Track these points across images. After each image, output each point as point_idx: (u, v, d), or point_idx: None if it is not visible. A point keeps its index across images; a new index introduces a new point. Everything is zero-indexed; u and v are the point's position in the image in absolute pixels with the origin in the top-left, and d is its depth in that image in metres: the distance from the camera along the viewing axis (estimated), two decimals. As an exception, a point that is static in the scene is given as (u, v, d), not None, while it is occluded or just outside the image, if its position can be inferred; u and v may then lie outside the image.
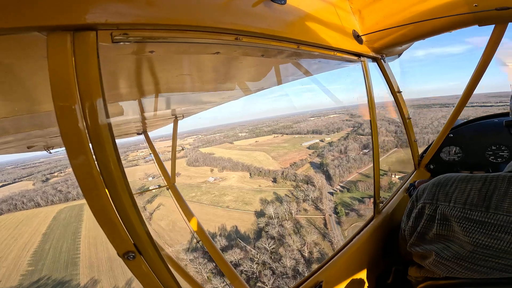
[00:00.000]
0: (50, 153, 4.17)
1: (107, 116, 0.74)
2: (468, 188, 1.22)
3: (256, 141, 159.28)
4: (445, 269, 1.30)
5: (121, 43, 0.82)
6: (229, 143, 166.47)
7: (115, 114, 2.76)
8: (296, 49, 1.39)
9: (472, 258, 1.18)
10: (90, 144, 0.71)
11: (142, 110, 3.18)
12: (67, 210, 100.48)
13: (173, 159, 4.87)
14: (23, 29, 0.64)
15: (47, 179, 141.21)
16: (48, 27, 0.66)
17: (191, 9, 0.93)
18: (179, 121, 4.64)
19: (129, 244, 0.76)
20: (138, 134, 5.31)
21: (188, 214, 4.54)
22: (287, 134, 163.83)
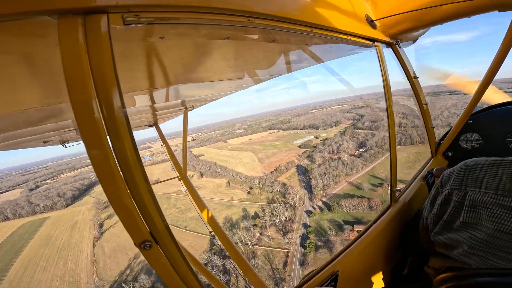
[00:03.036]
0: (65, 147, 4.26)
1: (122, 102, 0.72)
2: (499, 172, 1.13)
3: (249, 139, 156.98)
4: (479, 259, 1.23)
5: (133, 25, 0.80)
6: (223, 142, 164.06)
7: (127, 105, 2.77)
8: (309, 32, 1.34)
9: (506, 247, 1.11)
10: (106, 132, 0.69)
11: (152, 101, 3.18)
12: (28, 225, 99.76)
13: (184, 150, 4.91)
14: (34, 13, 0.63)
15: (37, 187, 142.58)
16: (58, 10, 0.64)
17: None
18: (189, 113, 4.64)
19: (145, 233, 0.76)
20: (149, 126, 5.36)
21: (200, 205, 4.59)
22: (283, 129, 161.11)
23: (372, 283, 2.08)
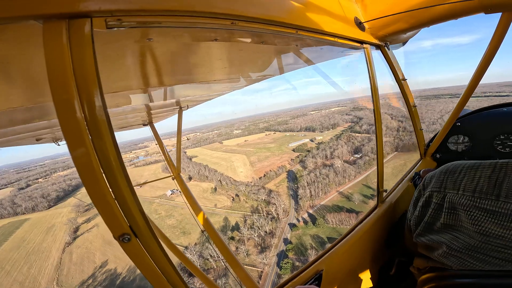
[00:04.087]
0: (58, 145, 4.26)
1: (103, 102, 0.75)
2: (477, 175, 1.17)
3: (245, 140, 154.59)
4: (456, 261, 1.26)
5: (115, 28, 0.82)
6: (219, 143, 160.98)
7: (120, 104, 2.79)
8: (295, 34, 1.37)
9: (484, 249, 1.14)
10: (87, 131, 0.72)
11: (146, 100, 3.20)
12: (7, 226, 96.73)
13: (178, 149, 4.92)
14: (21, 18, 0.66)
15: (27, 186, 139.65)
16: (44, 15, 0.67)
17: None
18: (184, 112, 4.65)
19: (124, 226, 0.78)
20: (144, 125, 5.36)
21: (193, 204, 4.61)
22: (280, 131, 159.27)
23: (358, 283, 2.11)
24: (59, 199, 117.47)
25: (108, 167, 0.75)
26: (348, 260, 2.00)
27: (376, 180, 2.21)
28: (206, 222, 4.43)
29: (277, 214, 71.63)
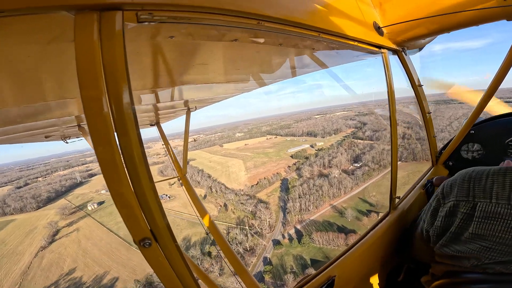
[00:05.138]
0: (66, 143, 4.27)
1: (131, 99, 0.73)
2: (507, 181, 1.13)
3: (245, 144, 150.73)
4: (487, 269, 1.21)
5: (146, 23, 0.81)
6: (219, 146, 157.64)
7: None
8: (317, 36, 1.35)
9: None
10: (114, 129, 0.70)
11: (155, 100, 3.19)
12: None
13: (185, 150, 4.92)
14: (53, 8, 0.64)
15: (26, 184, 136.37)
16: (76, 6, 0.66)
17: None
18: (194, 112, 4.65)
19: (146, 231, 0.76)
20: (151, 125, 5.36)
21: (198, 205, 4.59)
22: (281, 135, 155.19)
23: None
24: (49, 200, 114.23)
25: (133, 167, 0.73)
26: (360, 266, 1.97)
27: (383, 187, 2.18)
28: (211, 224, 4.40)
29: (261, 228, 67.50)
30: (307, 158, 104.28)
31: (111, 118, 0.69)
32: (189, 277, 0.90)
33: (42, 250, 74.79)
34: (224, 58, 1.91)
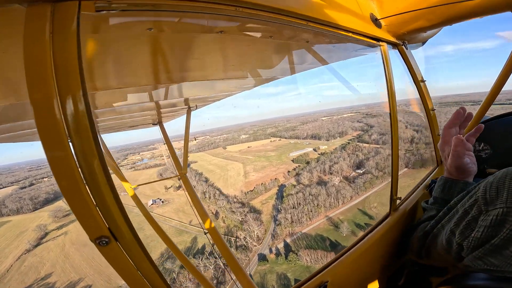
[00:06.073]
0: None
1: (85, 95, 0.67)
2: None
3: (248, 147, 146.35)
4: None
5: (104, 11, 0.76)
6: (222, 148, 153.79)
7: (126, 101, 2.77)
8: (305, 25, 1.27)
9: None
10: (64, 125, 0.64)
11: (155, 98, 3.18)
12: None
13: (185, 149, 4.94)
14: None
15: (31, 185, 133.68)
16: None
17: None
18: (198, 114, 4.66)
19: (103, 229, 0.71)
20: (154, 124, 5.41)
21: (197, 204, 4.59)
22: (285, 138, 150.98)
23: None
24: (47, 202, 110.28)
25: (88, 168, 0.67)
26: (356, 271, 1.88)
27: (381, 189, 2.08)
28: (210, 225, 4.39)
29: (253, 235, 62.92)
30: (308, 163, 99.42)
31: (62, 118, 0.63)
32: (155, 275, 0.86)
33: (25, 253, 73.00)
34: (215, 53, 1.86)
